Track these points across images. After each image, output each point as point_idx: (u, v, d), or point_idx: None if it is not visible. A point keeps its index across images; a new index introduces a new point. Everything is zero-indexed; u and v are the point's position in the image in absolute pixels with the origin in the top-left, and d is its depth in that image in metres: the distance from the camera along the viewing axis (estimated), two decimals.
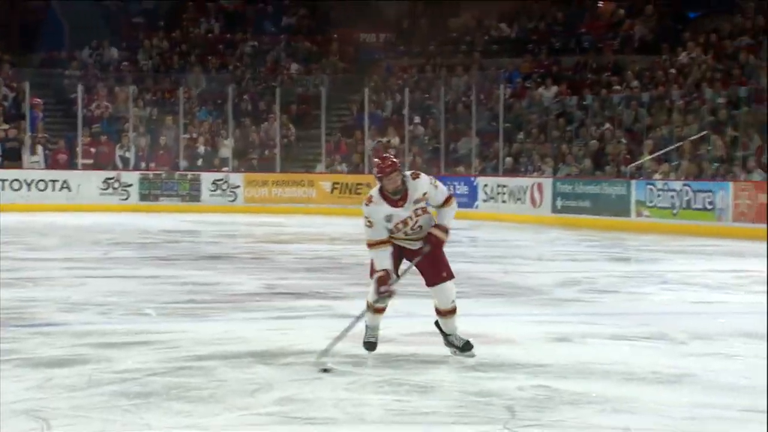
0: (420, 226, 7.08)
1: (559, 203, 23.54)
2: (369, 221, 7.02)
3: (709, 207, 20.23)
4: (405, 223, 7.04)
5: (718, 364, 7.29)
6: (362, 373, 6.74)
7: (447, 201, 7.19)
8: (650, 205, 21.44)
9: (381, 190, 6.99)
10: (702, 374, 6.89)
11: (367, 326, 7.31)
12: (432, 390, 6.30)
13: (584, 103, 26.74)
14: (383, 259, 7.09)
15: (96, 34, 33.65)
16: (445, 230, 7.11)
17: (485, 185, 25.39)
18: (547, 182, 24.07)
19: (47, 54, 33.01)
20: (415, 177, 7.06)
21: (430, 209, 7.22)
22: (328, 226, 22.57)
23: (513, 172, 25.75)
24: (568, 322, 9.02)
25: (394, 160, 7.02)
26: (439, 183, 7.24)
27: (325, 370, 6.65)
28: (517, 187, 24.59)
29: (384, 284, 7.05)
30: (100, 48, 33.78)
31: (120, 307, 10.01)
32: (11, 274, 12.40)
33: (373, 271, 7.21)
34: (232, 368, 6.89)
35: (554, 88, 28.37)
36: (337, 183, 28.31)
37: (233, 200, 28.17)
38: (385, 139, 29.15)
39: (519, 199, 24.37)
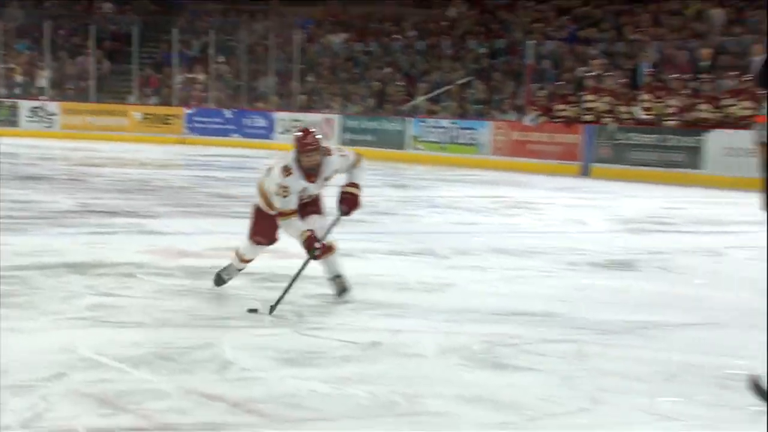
0: (310, 195, 6.27)
1: (346, 136, 23.67)
2: (286, 191, 6.07)
3: (472, 142, 20.74)
4: (310, 196, 6.25)
5: (475, 275, 7.50)
6: (168, 284, 6.66)
7: (356, 162, 6.35)
8: (423, 139, 21.82)
9: (297, 162, 6.09)
10: (462, 283, 7.10)
11: (231, 265, 6.52)
12: (229, 298, 6.30)
13: (368, 49, 26.94)
14: (297, 224, 6.16)
15: None
16: (358, 186, 6.32)
17: (282, 119, 25.28)
18: (336, 118, 24.17)
19: None
20: (327, 153, 6.20)
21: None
22: (138, 152, 22.08)
23: (306, 108, 25.72)
24: (352, 239, 9.04)
25: (318, 137, 6.14)
26: (344, 150, 6.51)
27: (253, 310, 5.87)
28: (310, 121, 24.52)
29: (316, 241, 6.11)
30: None
31: None
32: None
33: (253, 234, 6.39)
34: (47, 278, 6.72)
35: (343, 35, 28.45)
36: (148, 114, 27.69)
37: (50, 126, 27.19)
38: (192, 75, 28.73)
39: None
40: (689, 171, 16.77)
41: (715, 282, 7.40)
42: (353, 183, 6.32)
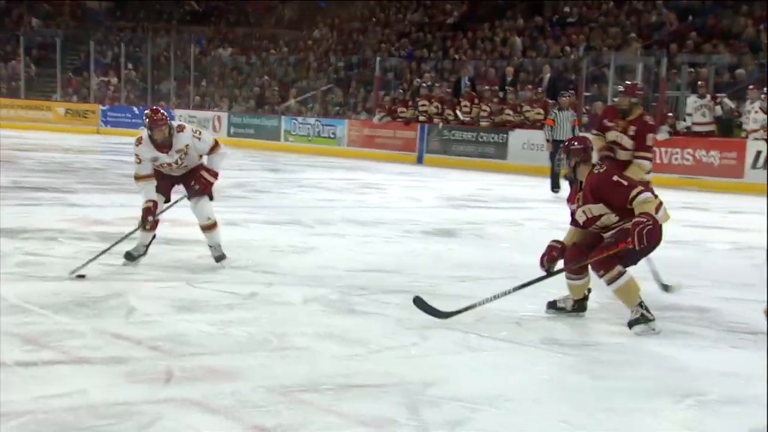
0: (186, 166, 5.88)
1: (232, 130, 23.30)
2: (138, 158, 5.74)
3: (332, 136, 20.69)
4: (170, 165, 5.82)
5: (333, 241, 7.49)
6: (84, 246, 6.42)
7: (213, 149, 5.87)
8: (294, 133, 21.64)
9: (150, 136, 5.72)
10: (323, 247, 7.07)
11: (139, 241, 5.92)
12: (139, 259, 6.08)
13: (251, 61, 26.59)
14: (149, 191, 5.80)
15: None
16: (215, 174, 5.90)
17: (180, 116, 24.60)
18: (224, 115, 23.75)
19: None
20: (180, 130, 5.77)
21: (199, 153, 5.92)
22: (62, 140, 21.20)
23: (200, 107, 25.20)
24: (236, 212, 8.95)
25: (164, 114, 5.76)
26: (203, 133, 5.93)
27: (81, 276, 5.35)
28: (203, 118, 24.04)
29: (150, 215, 5.79)
30: None
31: None
32: None
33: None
34: None
35: (230, 50, 28.04)
36: (70, 109, 26.65)
37: None
38: (106, 79, 27.82)
39: (204, 126, 23.82)
40: (497, 161, 17.12)
41: (515, 246, 7.57)
42: (208, 168, 5.91)
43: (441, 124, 18.51)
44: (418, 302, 4.65)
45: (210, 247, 6.06)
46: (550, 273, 4.83)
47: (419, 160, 18.59)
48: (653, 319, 4.64)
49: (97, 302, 4.72)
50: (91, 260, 5.55)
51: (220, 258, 6.01)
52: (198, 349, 3.97)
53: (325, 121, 21.17)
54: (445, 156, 18.12)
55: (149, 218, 5.80)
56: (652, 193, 4.70)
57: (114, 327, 4.24)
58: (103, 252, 5.71)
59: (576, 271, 4.83)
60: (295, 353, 3.99)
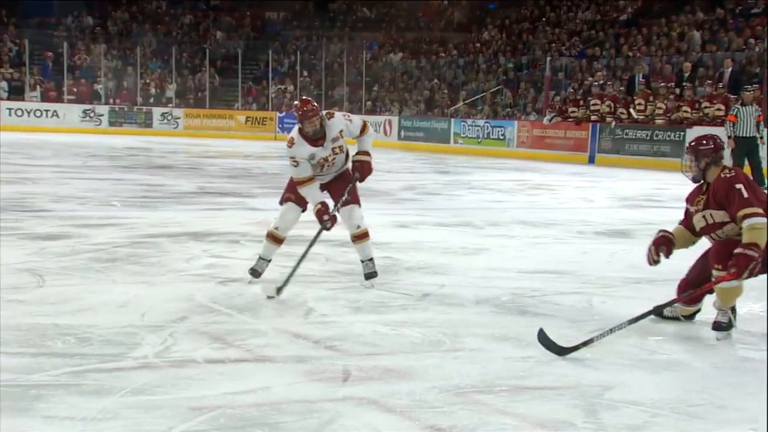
0: (325, 159, 5.35)
1: (402, 133, 23.62)
2: (295, 161, 5.24)
3: (501, 137, 20.58)
4: (325, 160, 5.32)
5: (504, 242, 7.44)
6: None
7: (363, 129, 5.49)
8: (463, 135, 21.69)
9: (300, 132, 5.24)
10: (493, 248, 7.03)
11: (260, 255, 5.53)
12: (312, 259, 6.08)
13: (420, 65, 26.85)
14: (315, 193, 5.33)
15: (75, 6, 32.16)
16: (367, 154, 5.46)
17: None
18: (395, 119, 24.12)
19: (41, 19, 31.42)
20: (330, 117, 5.32)
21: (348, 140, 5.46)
22: (242, 147, 22.22)
23: (371, 111, 25.69)
24: (407, 214, 9.08)
25: (315, 104, 5.26)
26: (353, 116, 5.56)
27: (270, 297, 4.99)
28: (374, 122, 24.50)
29: (325, 213, 5.28)
30: (79, 17, 32.30)
31: (94, 199, 9.72)
32: (15, 175, 11.93)
33: (284, 200, 5.51)
34: (173, 243, 6.78)
35: (400, 54, 28.41)
36: (250, 117, 27.87)
37: (176, 127, 27.47)
38: (283, 87, 28.85)
39: (375, 131, 24.29)
40: (674, 159, 16.43)
41: (693, 246, 7.23)
42: (363, 151, 5.45)
43: (614, 123, 17.99)
44: (541, 335, 4.10)
45: (361, 262, 5.50)
46: (662, 306, 4.45)
47: (591, 160, 18.17)
48: (734, 327, 4.40)
49: (277, 302, 4.89)
50: (290, 277, 5.18)
51: (370, 275, 5.45)
52: (373, 349, 4.03)
53: (495, 123, 21.07)
54: (617, 155, 17.61)
55: (325, 217, 5.28)
56: None
57: (293, 327, 4.37)
58: (298, 264, 5.32)
59: (689, 302, 4.56)
60: (468, 354, 3.98)
